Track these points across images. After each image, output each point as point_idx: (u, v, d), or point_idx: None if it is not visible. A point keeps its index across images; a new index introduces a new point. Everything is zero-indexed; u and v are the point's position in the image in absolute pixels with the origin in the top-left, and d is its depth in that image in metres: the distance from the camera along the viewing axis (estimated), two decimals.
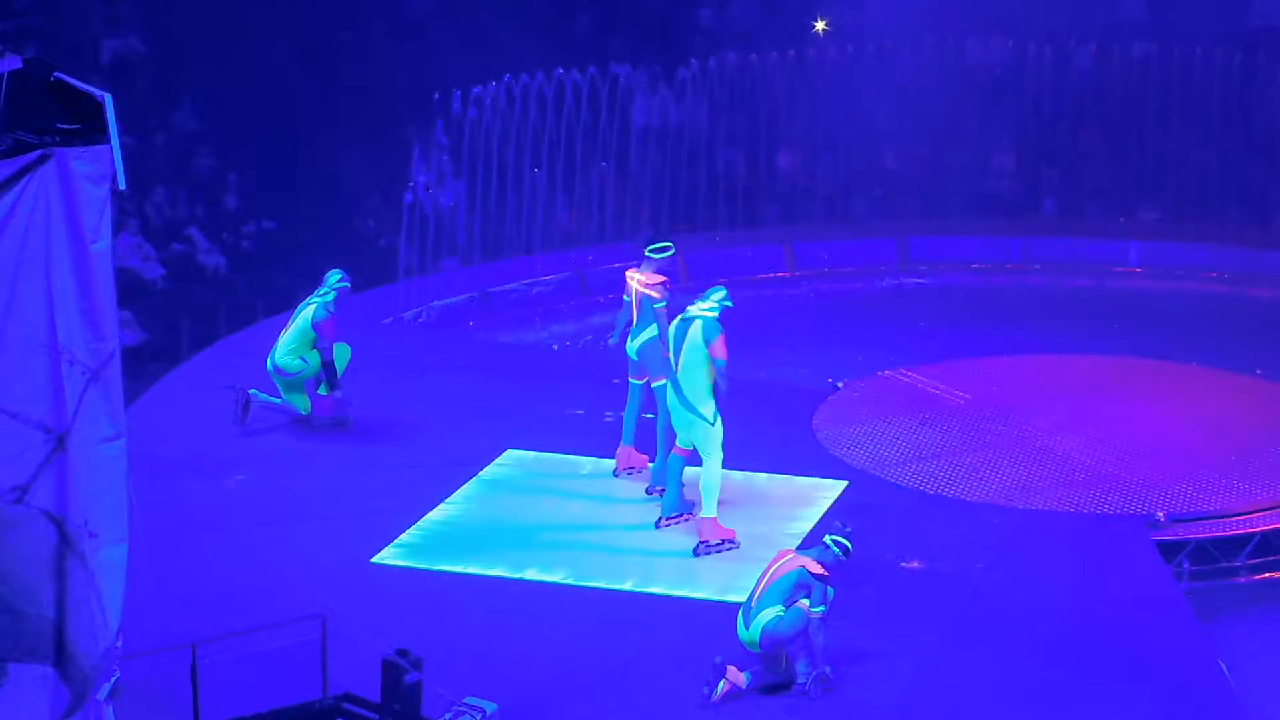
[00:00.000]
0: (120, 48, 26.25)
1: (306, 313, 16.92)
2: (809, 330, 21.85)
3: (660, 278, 15.59)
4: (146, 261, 22.99)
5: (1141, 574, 14.85)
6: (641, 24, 27.01)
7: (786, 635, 12.31)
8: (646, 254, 15.66)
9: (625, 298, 15.88)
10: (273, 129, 25.10)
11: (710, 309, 14.54)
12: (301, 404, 17.08)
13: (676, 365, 14.60)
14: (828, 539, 12.55)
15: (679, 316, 14.70)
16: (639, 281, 15.62)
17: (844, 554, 12.48)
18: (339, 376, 16.97)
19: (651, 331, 15.54)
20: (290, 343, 16.91)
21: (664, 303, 15.43)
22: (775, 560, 12.60)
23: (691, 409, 14.53)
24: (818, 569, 12.38)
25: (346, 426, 17.16)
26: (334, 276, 17.10)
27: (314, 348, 16.86)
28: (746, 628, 12.41)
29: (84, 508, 8.31)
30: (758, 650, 12.41)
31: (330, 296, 16.95)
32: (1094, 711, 12.44)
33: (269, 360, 16.99)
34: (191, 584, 13.62)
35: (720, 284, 14.89)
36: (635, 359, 15.75)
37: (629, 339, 15.76)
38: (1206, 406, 18.56)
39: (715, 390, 14.48)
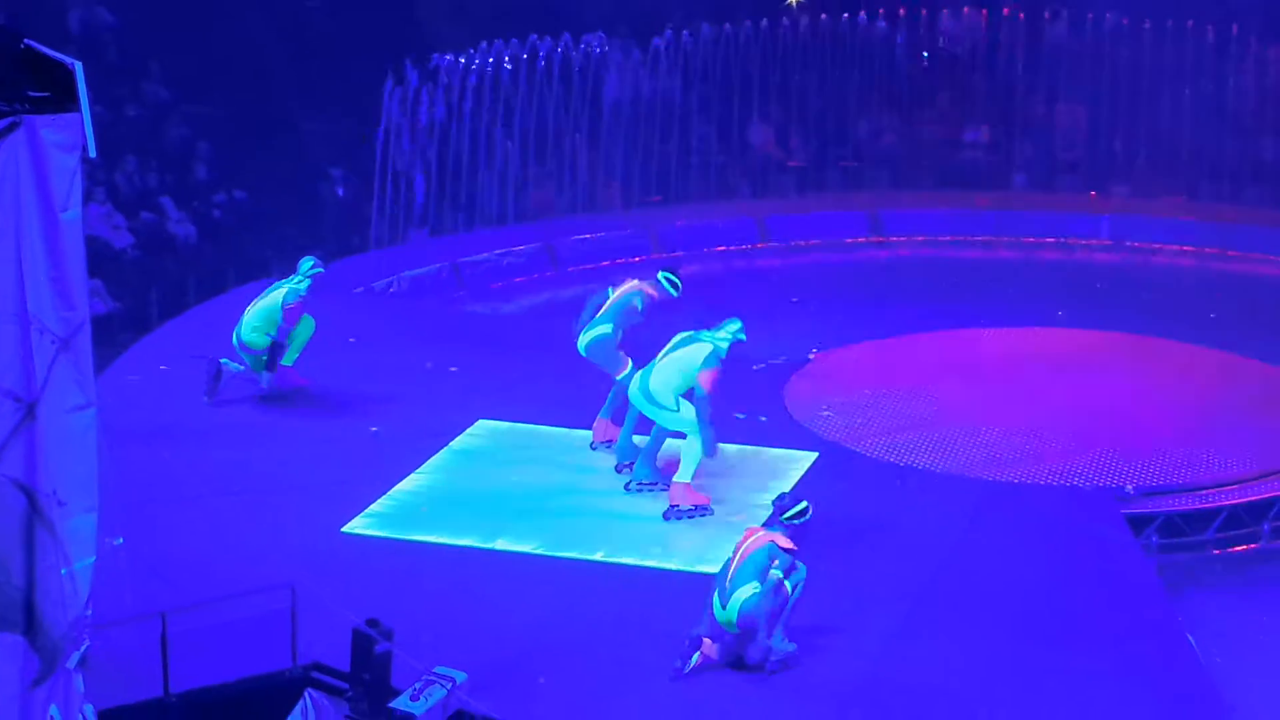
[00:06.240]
0: (89, 18, 26.11)
1: (277, 294, 16.91)
2: (780, 302, 21.84)
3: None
4: (116, 230, 22.88)
5: (1110, 547, 14.90)
6: None
7: (764, 612, 12.26)
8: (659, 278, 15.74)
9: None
10: (243, 98, 25.01)
11: (722, 338, 14.55)
12: (264, 378, 17.11)
13: (659, 363, 14.61)
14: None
15: (689, 332, 14.66)
16: (642, 287, 15.60)
17: (799, 517, 12.46)
18: (298, 353, 17.01)
19: (601, 330, 15.51)
20: (257, 320, 16.93)
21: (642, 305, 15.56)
22: (744, 538, 12.56)
23: (654, 402, 14.57)
24: (787, 543, 12.38)
25: (306, 398, 17.17)
26: (307, 263, 17.17)
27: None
28: (723, 608, 12.38)
29: (53, 477, 8.27)
30: (734, 630, 12.37)
31: (306, 284, 16.97)
32: (1062, 684, 12.47)
33: (234, 336, 17.01)
34: (161, 553, 13.57)
35: (736, 317, 14.78)
36: (584, 354, 15.72)
37: (580, 333, 15.72)
38: (1176, 380, 18.62)
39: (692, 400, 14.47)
